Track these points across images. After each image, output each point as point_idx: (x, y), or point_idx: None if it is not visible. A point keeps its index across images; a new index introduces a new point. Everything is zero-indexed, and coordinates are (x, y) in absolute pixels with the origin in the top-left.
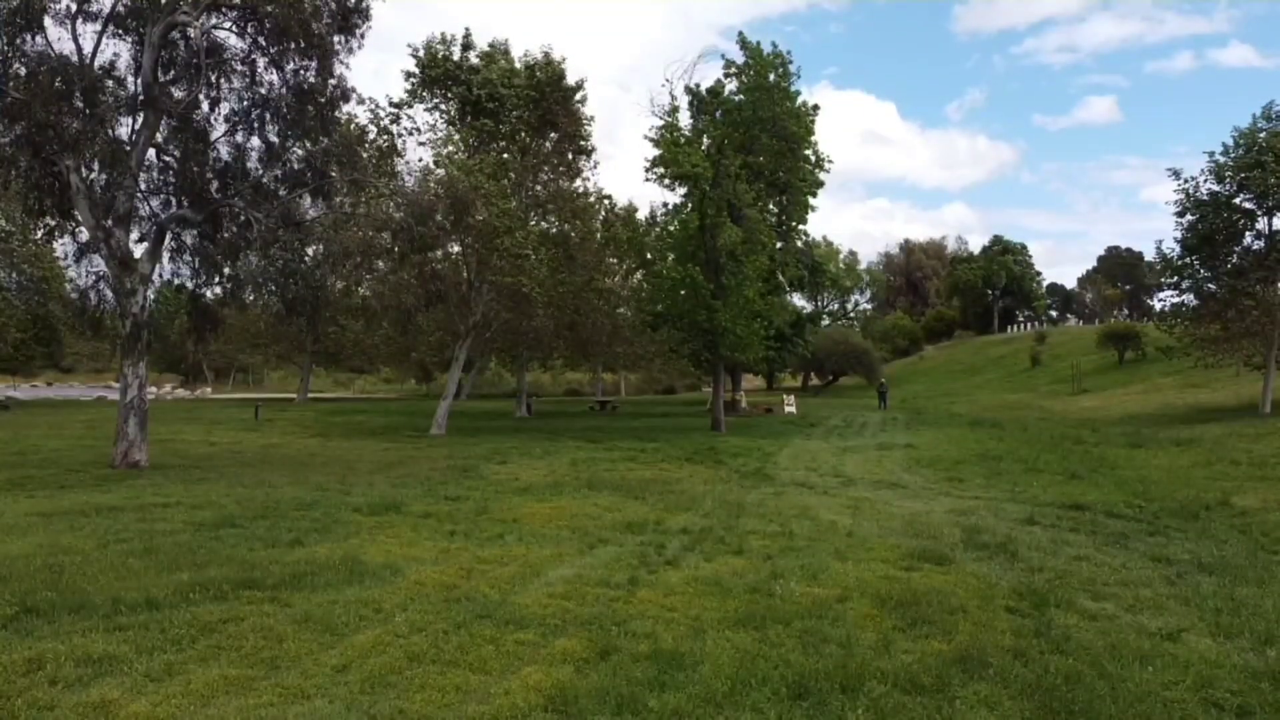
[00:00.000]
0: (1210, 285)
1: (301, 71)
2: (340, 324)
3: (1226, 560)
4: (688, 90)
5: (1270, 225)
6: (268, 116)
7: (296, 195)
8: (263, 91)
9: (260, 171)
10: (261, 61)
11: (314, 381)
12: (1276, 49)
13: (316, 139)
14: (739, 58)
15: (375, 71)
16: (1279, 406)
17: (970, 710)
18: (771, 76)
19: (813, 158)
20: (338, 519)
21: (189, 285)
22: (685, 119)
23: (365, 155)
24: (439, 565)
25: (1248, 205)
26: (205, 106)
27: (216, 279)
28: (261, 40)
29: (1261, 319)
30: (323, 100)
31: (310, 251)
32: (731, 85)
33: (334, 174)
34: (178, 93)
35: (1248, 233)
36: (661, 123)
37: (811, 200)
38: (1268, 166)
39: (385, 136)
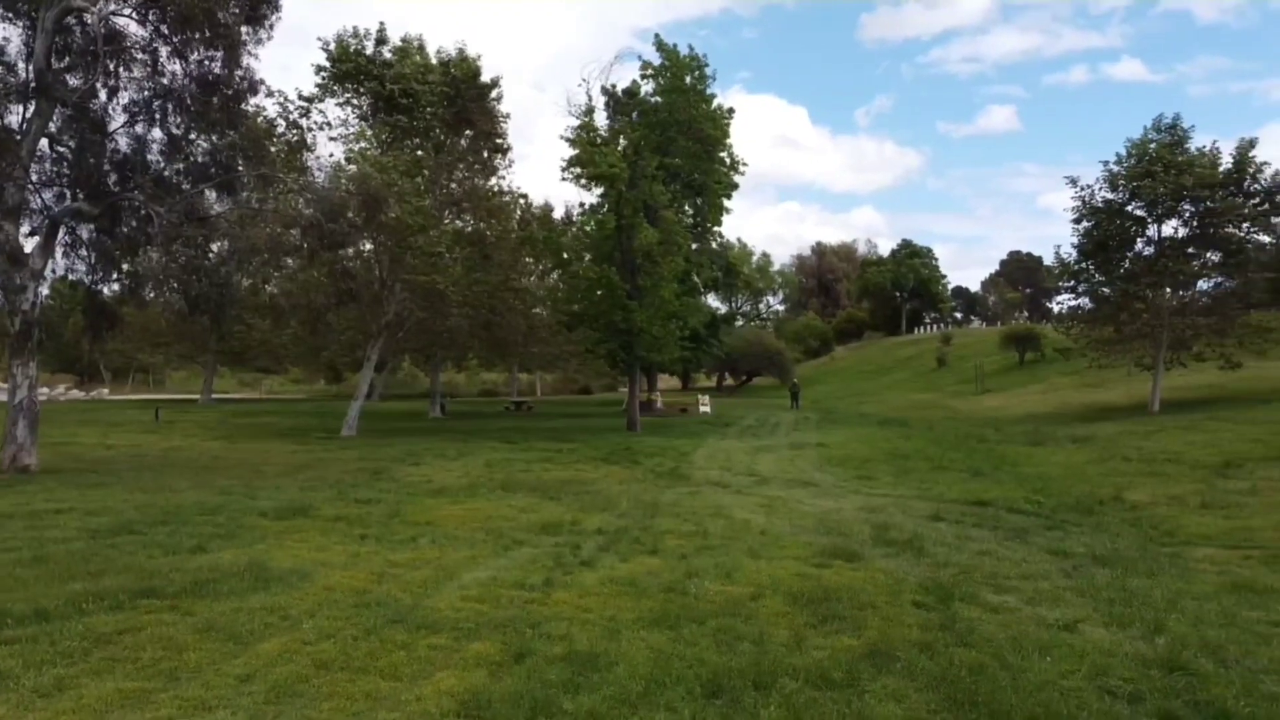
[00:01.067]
0: (1104, 289)
1: (207, 62)
2: (247, 323)
3: (1119, 553)
4: (604, 91)
5: (1160, 232)
6: (170, 107)
7: (201, 190)
8: (165, 82)
9: (162, 164)
10: (164, 50)
11: (219, 382)
12: (1164, 65)
13: (222, 132)
14: (656, 59)
15: (284, 65)
16: (1167, 405)
17: (879, 704)
18: (688, 79)
19: (728, 160)
20: (243, 524)
21: (85, 281)
22: (602, 119)
23: (274, 150)
24: (349, 570)
25: (1139, 213)
26: (103, 96)
27: (114, 275)
28: (164, 28)
29: (1151, 322)
30: (229, 92)
31: (215, 248)
32: (648, 87)
33: (241, 168)
34: (73, 81)
35: (1139, 239)
36: (578, 123)
37: (726, 202)
38: (1157, 176)
39: (295, 131)
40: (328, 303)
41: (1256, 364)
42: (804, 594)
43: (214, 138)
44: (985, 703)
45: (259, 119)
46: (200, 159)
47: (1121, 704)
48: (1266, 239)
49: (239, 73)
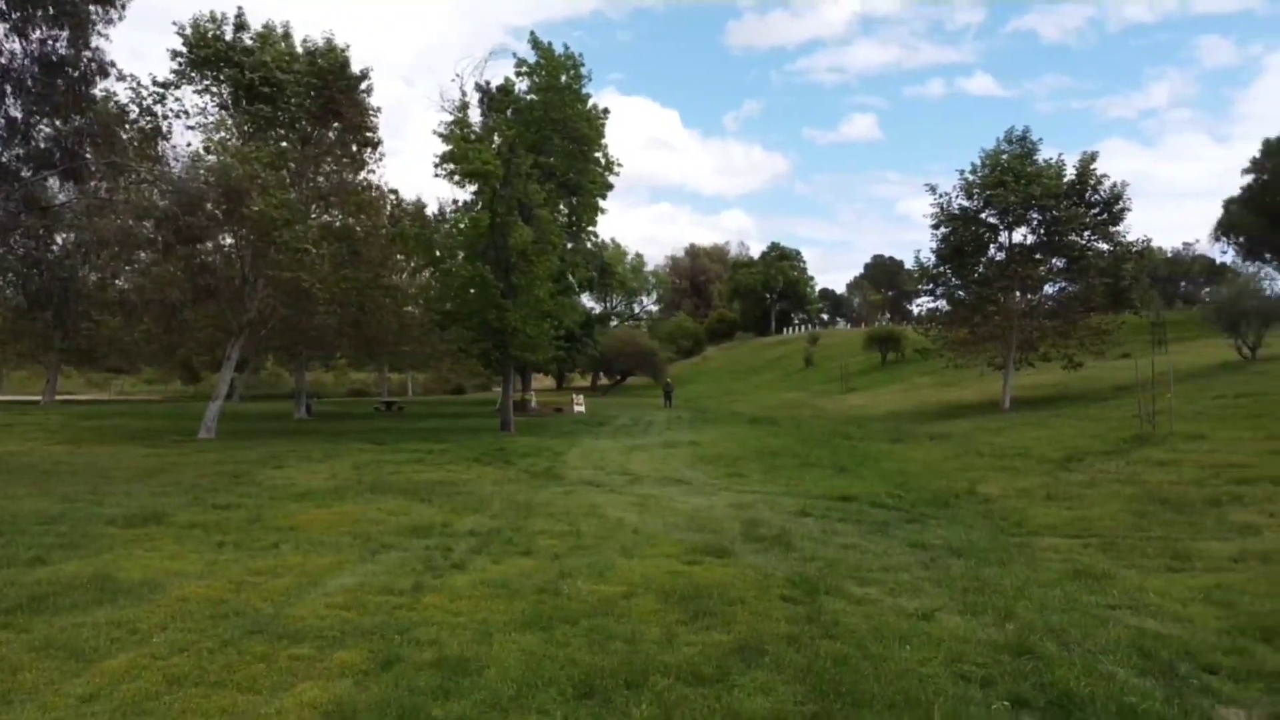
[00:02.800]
0: (960, 292)
1: (51, 41)
2: (94, 319)
3: (973, 544)
4: (478, 87)
5: (1011, 239)
6: (8, 89)
7: (43, 177)
8: (3, 61)
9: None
10: (1, 28)
11: (64, 383)
12: (1014, 81)
13: (68, 116)
14: (531, 57)
15: (133, 50)
16: (1017, 403)
17: (748, 697)
18: (563, 78)
19: (603, 160)
20: (88, 533)
21: None
22: (476, 116)
23: (125, 137)
24: (206, 579)
25: (992, 220)
26: None
27: None
28: (1, 4)
29: (1002, 324)
30: (75, 74)
31: (59, 240)
32: (523, 85)
33: (88, 155)
34: None
35: (992, 245)
36: (452, 118)
37: (601, 202)
38: (1009, 185)
39: (149, 118)
40: (184, 299)
41: (1095, 364)
42: (675, 591)
43: (58, 122)
44: (849, 692)
45: (109, 104)
46: (43, 144)
47: (975, 688)
48: (1105, 246)
49: (87, 54)
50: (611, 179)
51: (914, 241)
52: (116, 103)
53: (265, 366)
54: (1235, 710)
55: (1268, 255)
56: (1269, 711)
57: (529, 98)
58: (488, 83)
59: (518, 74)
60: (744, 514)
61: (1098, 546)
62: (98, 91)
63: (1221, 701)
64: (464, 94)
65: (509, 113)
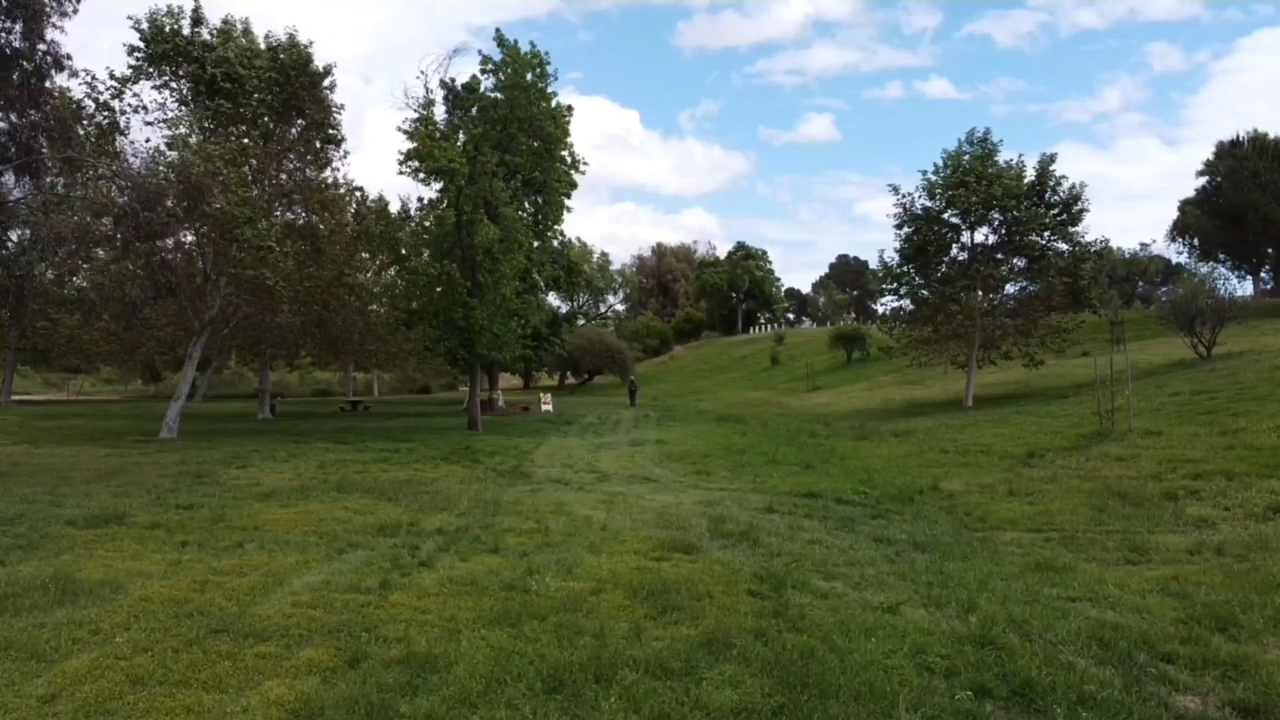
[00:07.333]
0: (924, 291)
1: (4, 34)
2: (51, 318)
3: (937, 538)
4: (443, 84)
5: (973, 238)
6: None
7: None
8: None
9: None
10: None
11: (19, 382)
12: (970, 85)
13: (22, 111)
14: (496, 55)
15: (82, 44)
16: (979, 400)
17: (716, 690)
18: (529, 76)
19: (568, 159)
20: (47, 533)
21: None
22: (440, 113)
23: (82, 132)
24: (168, 579)
25: (954, 220)
26: None
27: None
28: None
29: (965, 323)
30: (30, 67)
31: (14, 236)
32: (488, 82)
33: (44, 150)
34: None
35: (954, 245)
36: (416, 115)
37: (567, 201)
38: (970, 186)
39: (106, 113)
40: (144, 296)
41: (1056, 362)
42: (643, 587)
43: (12, 116)
44: (815, 684)
45: (65, 98)
46: None
47: (939, 679)
48: (1064, 247)
49: (41, 47)
50: (576, 177)
51: (874, 242)
52: (72, 97)
53: (228, 366)
54: (1191, 697)
55: (1221, 255)
56: (1223, 698)
57: (494, 96)
58: (453, 80)
59: (483, 72)
60: (711, 511)
61: (1058, 540)
62: (53, 85)
63: (1178, 689)
64: (429, 91)
65: (474, 110)
